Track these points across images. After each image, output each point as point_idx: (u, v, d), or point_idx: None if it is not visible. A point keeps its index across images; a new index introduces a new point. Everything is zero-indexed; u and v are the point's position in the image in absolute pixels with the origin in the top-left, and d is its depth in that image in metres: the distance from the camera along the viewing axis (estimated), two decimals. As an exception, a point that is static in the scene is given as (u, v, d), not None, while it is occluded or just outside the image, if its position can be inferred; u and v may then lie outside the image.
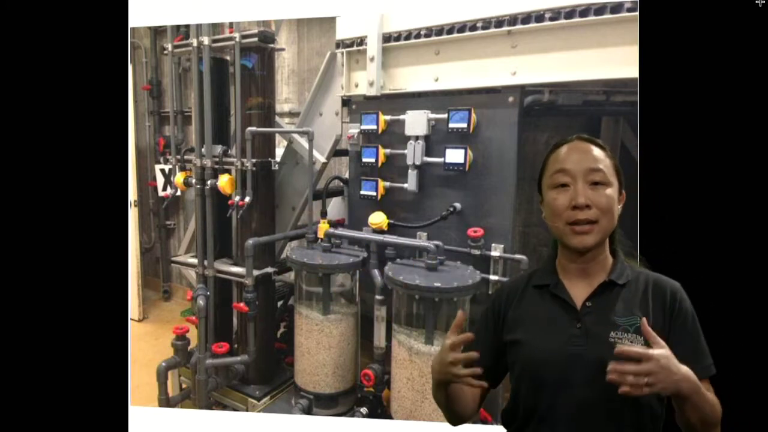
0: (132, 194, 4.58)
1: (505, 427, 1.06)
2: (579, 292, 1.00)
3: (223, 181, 2.68)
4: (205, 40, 2.63)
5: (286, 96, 4.19)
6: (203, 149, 2.74)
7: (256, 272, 2.64)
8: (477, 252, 2.24)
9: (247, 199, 2.62)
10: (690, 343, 0.96)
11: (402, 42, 2.42)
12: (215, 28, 2.68)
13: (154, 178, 4.74)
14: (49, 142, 1.56)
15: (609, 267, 1.01)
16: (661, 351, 0.81)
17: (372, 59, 2.47)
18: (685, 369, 0.83)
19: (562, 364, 0.95)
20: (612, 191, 0.95)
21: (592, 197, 0.93)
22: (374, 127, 2.49)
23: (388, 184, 2.54)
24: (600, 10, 1.89)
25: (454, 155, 2.27)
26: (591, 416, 0.93)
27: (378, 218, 2.49)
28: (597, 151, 0.97)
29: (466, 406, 1.06)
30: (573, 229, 0.95)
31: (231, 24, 2.67)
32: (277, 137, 3.02)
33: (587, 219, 0.93)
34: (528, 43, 2.10)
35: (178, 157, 2.93)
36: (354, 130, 2.61)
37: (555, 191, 0.97)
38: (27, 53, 1.54)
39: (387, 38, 2.46)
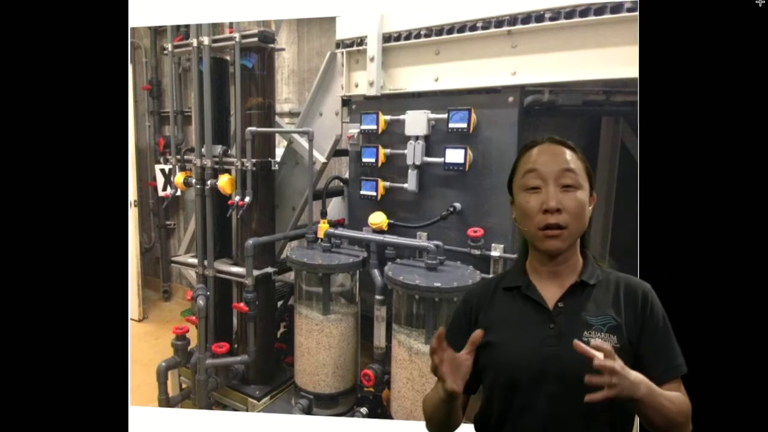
0: (132, 194, 4.58)
1: (478, 430, 1.06)
2: (551, 293, 0.99)
3: (223, 181, 2.68)
4: (205, 40, 2.63)
5: (286, 96, 4.19)
6: (203, 149, 2.74)
7: (256, 272, 2.65)
8: (477, 252, 2.24)
9: (247, 199, 2.62)
10: (662, 343, 0.96)
11: (402, 42, 2.42)
12: (215, 28, 2.68)
13: (154, 178, 4.74)
14: (49, 142, 1.56)
15: (580, 268, 1.00)
16: (617, 362, 0.82)
17: (372, 59, 2.47)
18: (636, 373, 0.84)
19: (536, 366, 0.95)
20: (583, 194, 0.95)
21: (563, 201, 0.93)
22: (374, 127, 2.49)
23: (388, 184, 2.54)
24: (600, 10, 1.89)
25: (454, 155, 2.27)
26: (565, 417, 0.93)
27: (378, 218, 2.49)
28: (569, 154, 0.97)
29: (459, 416, 1.05)
30: (544, 233, 0.94)
31: (231, 24, 2.67)
32: (277, 137, 3.02)
33: (558, 223, 0.93)
34: (528, 43, 2.10)
35: (178, 157, 2.93)
36: (354, 130, 2.61)
37: (526, 194, 0.96)
38: (27, 53, 1.54)
39: (387, 38, 2.47)
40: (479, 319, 1.05)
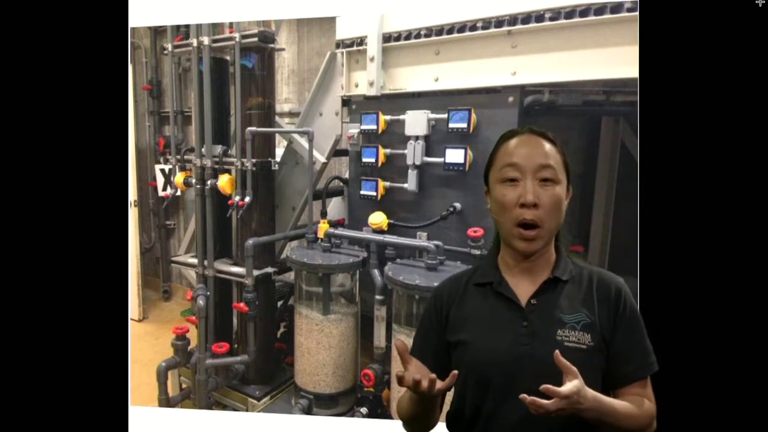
0: (132, 194, 4.58)
1: (450, 430, 1.04)
2: (523, 289, 0.98)
3: (223, 181, 2.68)
4: (205, 40, 2.63)
5: (286, 96, 4.19)
6: (203, 149, 2.74)
7: (256, 272, 2.65)
8: (477, 252, 2.24)
9: (247, 199, 2.62)
10: (634, 340, 0.95)
11: (402, 42, 2.42)
12: (215, 28, 2.68)
13: (154, 178, 4.74)
14: (49, 142, 1.56)
15: (552, 263, 0.99)
16: (574, 385, 0.82)
17: (372, 59, 2.47)
18: (592, 399, 0.84)
19: (509, 365, 0.94)
20: (561, 189, 0.94)
21: (540, 196, 0.91)
22: (374, 127, 2.49)
23: (388, 184, 2.54)
24: (600, 10, 1.89)
25: (454, 155, 2.27)
26: (538, 416, 0.90)
27: (378, 218, 2.49)
28: (548, 146, 0.95)
29: (436, 415, 1.04)
30: (520, 233, 0.93)
31: (231, 24, 2.67)
32: (277, 137, 3.02)
33: (534, 221, 0.91)
34: (528, 43, 2.10)
35: (178, 157, 2.93)
36: (354, 130, 2.61)
37: (503, 186, 0.95)
38: (27, 53, 1.54)
39: (387, 38, 2.46)
40: (450, 317, 1.03)
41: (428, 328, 1.07)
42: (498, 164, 0.97)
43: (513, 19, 2.09)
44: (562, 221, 0.96)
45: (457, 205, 2.33)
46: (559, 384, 0.87)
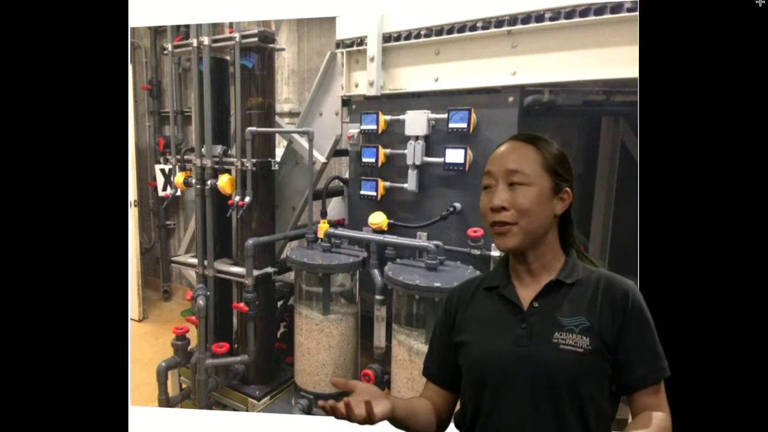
0: (132, 194, 4.58)
1: (457, 428, 1.06)
2: (527, 292, 0.99)
3: (223, 181, 2.68)
4: (205, 40, 2.63)
5: (286, 96, 4.19)
6: (203, 149, 2.74)
7: (256, 272, 2.65)
8: (477, 252, 2.24)
9: (247, 199, 2.62)
10: (643, 344, 0.93)
11: (402, 42, 2.42)
12: (215, 28, 2.68)
13: (154, 178, 4.74)
14: (49, 142, 1.56)
15: (559, 267, 0.99)
16: None
17: (372, 59, 2.47)
18: None
19: (505, 365, 0.94)
20: (536, 191, 0.94)
21: (509, 199, 0.94)
22: (374, 127, 2.49)
23: (388, 184, 2.54)
24: (600, 10, 1.89)
25: (454, 155, 2.27)
26: (534, 417, 0.92)
27: (378, 218, 2.49)
28: (525, 150, 0.97)
29: (429, 423, 1.04)
30: (494, 230, 0.97)
31: (231, 24, 2.67)
32: (277, 137, 3.02)
33: (503, 221, 0.94)
34: (528, 43, 2.10)
35: (178, 157, 2.93)
36: (354, 130, 2.61)
37: (483, 193, 1.00)
38: (27, 53, 1.54)
39: (387, 38, 2.46)
40: (456, 320, 1.05)
41: (437, 334, 1.11)
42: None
43: (513, 19, 2.09)
44: (546, 222, 0.96)
45: (457, 205, 2.33)
46: (555, 385, 0.89)
